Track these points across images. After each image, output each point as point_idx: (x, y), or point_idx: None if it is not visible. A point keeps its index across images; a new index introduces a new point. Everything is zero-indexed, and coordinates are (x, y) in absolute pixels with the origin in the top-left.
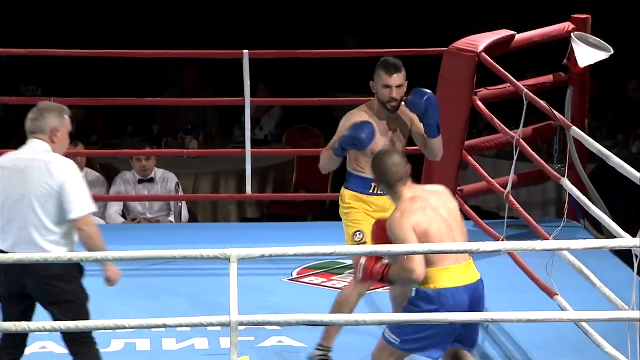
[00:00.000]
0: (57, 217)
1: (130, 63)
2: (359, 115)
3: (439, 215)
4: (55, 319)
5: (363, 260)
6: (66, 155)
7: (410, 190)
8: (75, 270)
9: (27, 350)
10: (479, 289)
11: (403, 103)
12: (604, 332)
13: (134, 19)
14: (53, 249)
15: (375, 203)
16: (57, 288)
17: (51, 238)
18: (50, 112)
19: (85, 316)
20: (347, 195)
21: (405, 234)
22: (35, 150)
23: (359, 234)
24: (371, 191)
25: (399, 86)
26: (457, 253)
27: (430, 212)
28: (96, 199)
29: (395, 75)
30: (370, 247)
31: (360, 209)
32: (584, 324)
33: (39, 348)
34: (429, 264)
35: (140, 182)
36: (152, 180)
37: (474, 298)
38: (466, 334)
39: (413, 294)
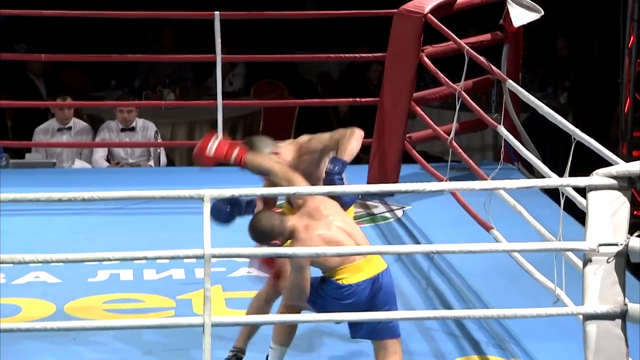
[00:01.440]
0: None
1: (114, 23)
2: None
3: (334, 226)
4: None
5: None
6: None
7: (299, 220)
8: None
9: (22, 280)
10: (379, 280)
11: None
12: (535, 262)
13: None
14: None
15: None
16: None
17: None
18: None
19: None
20: None
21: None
22: None
23: None
24: None
25: None
26: None
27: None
28: (84, 145)
29: None
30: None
31: None
32: (517, 255)
33: (33, 277)
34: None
35: (122, 130)
36: (133, 129)
37: (374, 289)
38: (359, 326)
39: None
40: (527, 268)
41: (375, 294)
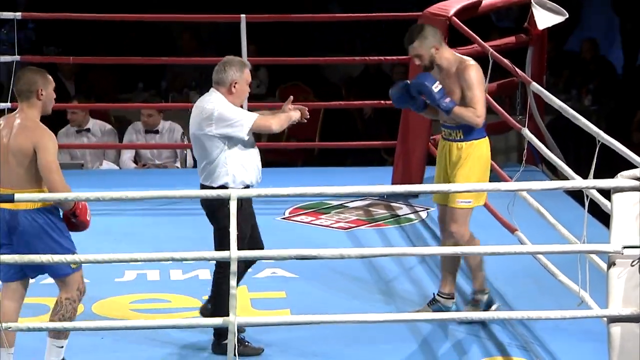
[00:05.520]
0: None
1: (142, 26)
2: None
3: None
4: None
5: None
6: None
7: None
8: None
9: (51, 279)
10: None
11: None
12: (559, 265)
13: None
14: None
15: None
16: None
17: None
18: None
19: None
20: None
21: None
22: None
23: None
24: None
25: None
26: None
27: None
28: (109, 147)
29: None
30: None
31: None
32: (541, 257)
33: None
34: None
35: (147, 132)
36: (157, 131)
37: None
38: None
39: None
40: (552, 270)
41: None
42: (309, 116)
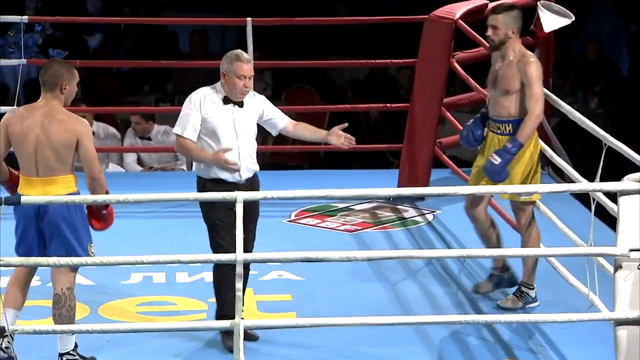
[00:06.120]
0: None
1: (148, 29)
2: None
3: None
4: None
5: None
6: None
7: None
8: None
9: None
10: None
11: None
12: (565, 267)
13: None
14: None
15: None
16: None
17: None
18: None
19: None
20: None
21: None
22: None
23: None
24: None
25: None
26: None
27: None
28: (106, 150)
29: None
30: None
31: None
32: (550, 259)
33: None
34: None
35: (140, 138)
36: (149, 138)
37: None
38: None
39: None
40: (563, 273)
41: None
42: (237, 167)
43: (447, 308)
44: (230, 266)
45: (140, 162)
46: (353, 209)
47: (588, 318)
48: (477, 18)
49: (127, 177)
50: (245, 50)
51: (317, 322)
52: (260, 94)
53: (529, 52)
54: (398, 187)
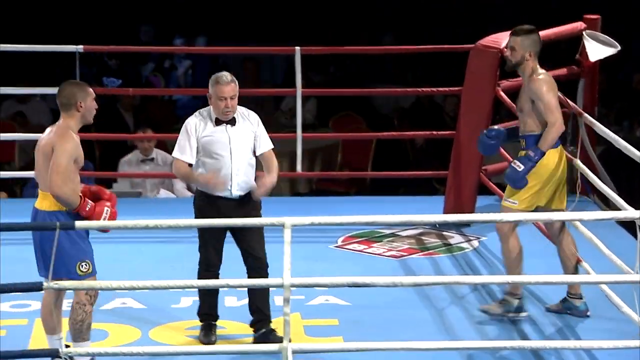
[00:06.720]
0: None
1: (198, 58)
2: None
3: None
4: None
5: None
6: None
7: None
8: None
9: (109, 305)
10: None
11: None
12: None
13: (204, 21)
14: None
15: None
16: None
17: None
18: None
19: None
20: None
21: None
22: None
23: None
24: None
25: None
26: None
27: None
28: (158, 176)
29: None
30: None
31: None
32: (603, 286)
33: (119, 303)
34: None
35: None
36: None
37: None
38: None
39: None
40: (615, 301)
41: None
42: (222, 188)
43: (492, 333)
44: (213, 272)
45: (189, 188)
46: (399, 235)
47: (634, 345)
48: None
49: (178, 202)
50: (294, 78)
51: (364, 347)
52: (308, 121)
53: (540, 70)
54: (444, 213)
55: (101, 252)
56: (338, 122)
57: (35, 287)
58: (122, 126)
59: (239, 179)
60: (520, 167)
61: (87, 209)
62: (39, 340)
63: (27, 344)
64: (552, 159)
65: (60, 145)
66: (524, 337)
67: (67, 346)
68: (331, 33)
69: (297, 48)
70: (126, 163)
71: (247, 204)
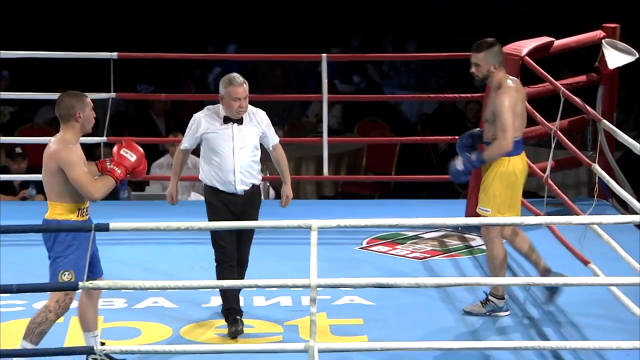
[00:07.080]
0: None
1: (229, 64)
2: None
3: None
4: None
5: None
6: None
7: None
8: None
9: (142, 304)
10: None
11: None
12: (630, 297)
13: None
14: None
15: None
16: None
17: None
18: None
19: None
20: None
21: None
22: None
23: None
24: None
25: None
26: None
27: None
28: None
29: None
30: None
31: None
32: (614, 288)
33: (151, 302)
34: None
35: None
36: None
37: None
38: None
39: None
40: (626, 303)
41: None
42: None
43: (513, 334)
44: (231, 262)
45: None
46: (422, 237)
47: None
48: (543, 55)
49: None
50: (321, 84)
51: (388, 346)
52: (334, 127)
53: (507, 82)
54: (465, 216)
55: (134, 253)
56: (363, 126)
57: (71, 287)
58: (154, 131)
59: (241, 176)
60: (460, 167)
61: (118, 172)
62: (75, 337)
63: (64, 342)
64: (517, 165)
65: (64, 161)
66: (544, 337)
67: (102, 344)
68: (357, 41)
69: (324, 55)
70: (158, 167)
71: (250, 200)
